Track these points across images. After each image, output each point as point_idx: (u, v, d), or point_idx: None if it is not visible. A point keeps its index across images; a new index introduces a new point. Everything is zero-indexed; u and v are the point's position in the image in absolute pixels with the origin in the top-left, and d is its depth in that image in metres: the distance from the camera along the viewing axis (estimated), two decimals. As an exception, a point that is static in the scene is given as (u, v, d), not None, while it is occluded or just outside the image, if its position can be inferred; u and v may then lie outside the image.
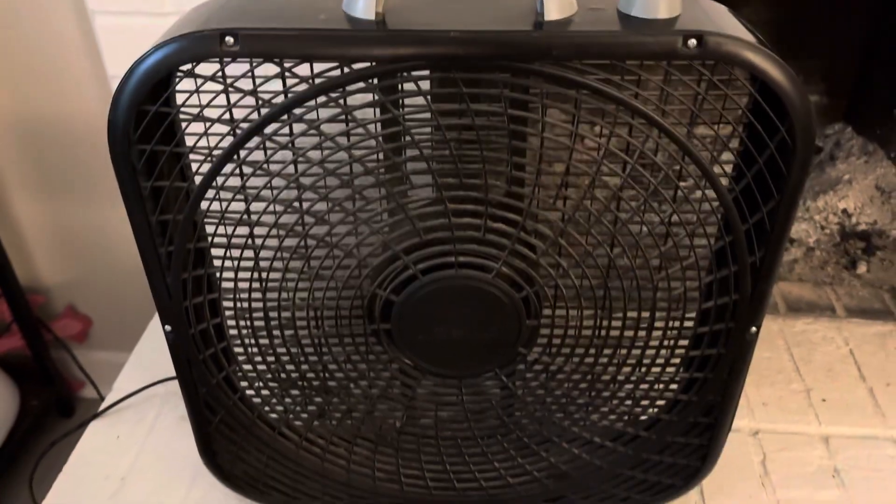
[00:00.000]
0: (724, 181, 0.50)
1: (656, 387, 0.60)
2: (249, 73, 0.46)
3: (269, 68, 0.47)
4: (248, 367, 0.60)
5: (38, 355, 1.25)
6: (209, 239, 0.54)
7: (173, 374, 0.82)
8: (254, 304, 0.57)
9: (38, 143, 1.11)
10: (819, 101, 1.23)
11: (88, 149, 1.10)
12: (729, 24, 0.46)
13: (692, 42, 0.44)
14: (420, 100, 0.47)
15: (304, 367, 0.60)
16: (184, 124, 0.50)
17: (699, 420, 0.62)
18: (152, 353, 0.90)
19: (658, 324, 0.57)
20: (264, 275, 0.55)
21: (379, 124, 0.48)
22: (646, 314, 0.56)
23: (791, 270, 1.03)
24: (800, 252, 1.06)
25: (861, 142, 1.19)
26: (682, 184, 0.50)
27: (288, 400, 0.62)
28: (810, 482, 0.73)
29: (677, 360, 0.59)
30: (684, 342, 0.58)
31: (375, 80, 0.46)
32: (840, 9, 1.12)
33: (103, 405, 0.82)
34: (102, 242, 1.20)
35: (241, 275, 0.55)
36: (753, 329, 0.56)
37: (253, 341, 0.58)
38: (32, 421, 1.23)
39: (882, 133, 1.16)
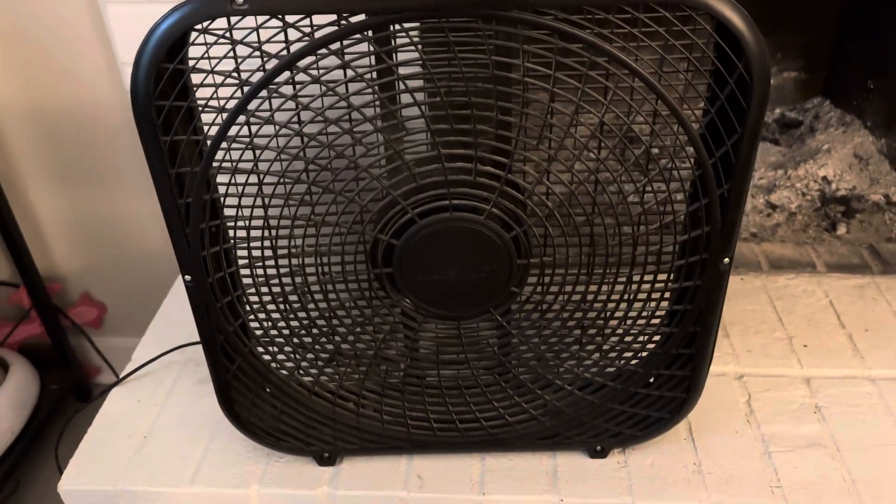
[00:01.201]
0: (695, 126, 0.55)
1: (640, 320, 0.65)
2: (255, 30, 0.51)
3: (272, 32, 0.52)
4: (261, 314, 0.65)
5: (56, 341, 1.30)
6: (222, 190, 0.59)
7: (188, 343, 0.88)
8: (265, 252, 0.61)
9: (52, 132, 1.15)
10: (798, 76, 1.28)
11: (102, 137, 1.14)
12: (688, -28, 0.51)
13: (654, -14, 0.49)
14: (413, 52, 0.52)
15: (313, 312, 0.64)
16: (196, 81, 0.55)
17: (681, 352, 0.66)
18: (166, 328, 0.94)
19: (638, 262, 0.62)
20: (273, 223, 0.60)
21: (374, 73, 0.53)
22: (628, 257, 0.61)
23: (774, 233, 1.07)
24: (782, 217, 1.10)
25: (839, 113, 1.24)
26: (654, 124, 0.56)
27: (298, 344, 0.67)
28: (793, 418, 0.78)
29: (658, 294, 0.63)
30: (663, 277, 0.63)
31: (370, 32, 0.51)
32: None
33: (123, 373, 0.86)
34: (116, 230, 1.24)
35: (252, 226, 0.60)
36: (726, 260, 0.61)
37: (265, 288, 0.63)
38: (52, 405, 1.28)
39: (858, 104, 1.21)
